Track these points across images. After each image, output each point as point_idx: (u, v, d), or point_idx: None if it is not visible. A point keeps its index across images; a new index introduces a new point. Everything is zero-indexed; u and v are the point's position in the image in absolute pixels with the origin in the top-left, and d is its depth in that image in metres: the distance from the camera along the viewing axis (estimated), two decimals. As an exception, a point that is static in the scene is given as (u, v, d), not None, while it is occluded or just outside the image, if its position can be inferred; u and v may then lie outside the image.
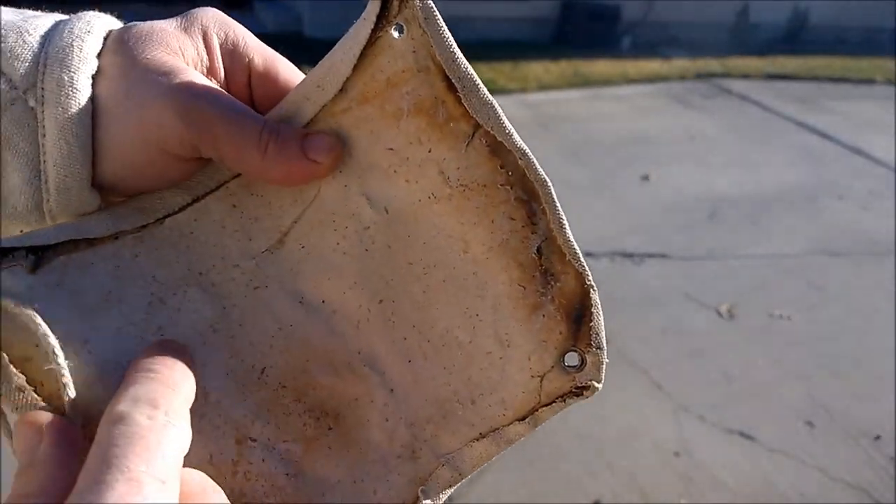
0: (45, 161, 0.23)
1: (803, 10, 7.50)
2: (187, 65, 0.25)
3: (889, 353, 2.08)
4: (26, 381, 0.21)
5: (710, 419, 1.74)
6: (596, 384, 0.27)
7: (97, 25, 0.25)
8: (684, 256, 2.58)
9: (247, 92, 0.27)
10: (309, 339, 0.26)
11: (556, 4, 6.38)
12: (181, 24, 0.26)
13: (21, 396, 0.21)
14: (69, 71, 0.23)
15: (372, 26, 0.24)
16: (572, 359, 0.27)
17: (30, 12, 0.25)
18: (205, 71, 0.26)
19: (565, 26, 6.36)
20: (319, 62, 0.25)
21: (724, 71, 5.80)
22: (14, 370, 0.21)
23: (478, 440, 0.27)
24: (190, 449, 0.20)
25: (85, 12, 0.26)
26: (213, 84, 0.25)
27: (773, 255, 2.66)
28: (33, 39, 0.23)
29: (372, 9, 0.24)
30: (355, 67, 0.25)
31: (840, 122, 4.60)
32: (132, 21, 0.27)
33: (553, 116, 4.19)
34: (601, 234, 2.68)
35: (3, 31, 0.23)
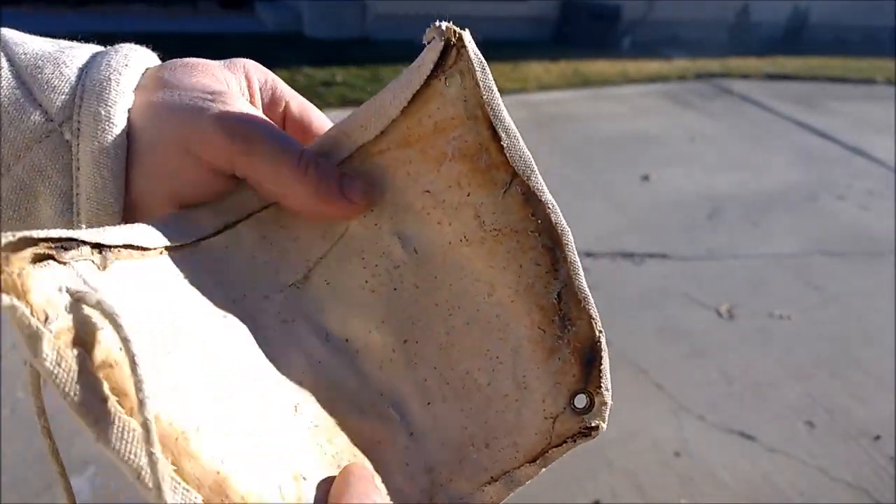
0: (77, 194, 0.23)
1: (803, 10, 7.50)
2: (238, 91, 0.26)
3: (889, 353, 2.08)
4: (110, 388, 0.19)
5: (710, 419, 1.74)
6: (602, 424, 0.28)
7: (134, 59, 0.25)
8: (684, 256, 2.58)
9: None
10: (335, 377, 0.26)
11: (556, 4, 6.38)
12: (224, 63, 0.27)
13: (104, 407, 0.18)
14: (106, 105, 0.23)
15: (427, 73, 0.25)
16: (581, 400, 0.28)
17: (65, 42, 0.25)
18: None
19: (565, 26, 6.36)
20: (365, 103, 0.26)
21: (724, 71, 5.80)
22: (98, 376, 0.19)
23: (490, 483, 0.27)
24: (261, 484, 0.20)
25: (122, 45, 0.26)
26: (257, 110, 0.26)
27: (773, 255, 2.66)
28: (70, 72, 0.23)
29: (429, 57, 0.25)
30: (403, 110, 0.25)
31: (840, 122, 4.60)
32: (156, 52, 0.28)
33: (553, 116, 4.19)
34: (601, 233, 2.68)
35: (39, 61, 0.23)
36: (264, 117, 0.25)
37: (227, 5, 5.90)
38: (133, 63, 0.25)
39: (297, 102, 0.29)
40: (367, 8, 5.63)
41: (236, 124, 0.24)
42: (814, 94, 5.37)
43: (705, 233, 2.80)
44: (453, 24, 0.26)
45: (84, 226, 0.23)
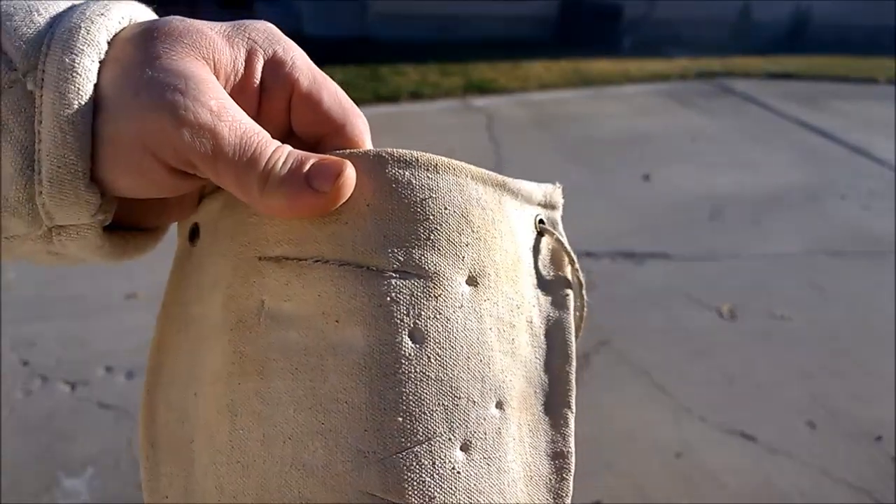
0: (39, 150, 0.21)
1: (805, 10, 7.49)
2: (213, 75, 0.23)
3: (891, 354, 2.07)
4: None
5: (712, 420, 1.74)
6: None
7: (114, 9, 0.23)
8: (685, 256, 2.58)
9: (285, 114, 0.26)
10: None
11: (557, 3, 6.37)
12: (225, 30, 0.24)
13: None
14: (72, 53, 0.21)
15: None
16: None
17: None
18: (234, 83, 0.24)
19: (566, 25, 6.35)
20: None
21: (725, 70, 5.80)
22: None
23: None
24: None
25: None
26: (233, 102, 0.23)
27: (774, 255, 2.65)
28: (41, 19, 0.22)
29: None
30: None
31: (842, 121, 4.59)
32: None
33: (554, 116, 4.18)
34: (602, 233, 2.67)
35: (12, 9, 0.21)
36: (238, 113, 0.23)
37: (227, 4, 5.89)
38: (111, 13, 0.23)
39: (309, 78, 0.25)
40: (367, 7, 5.62)
41: (200, 123, 0.21)
42: (815, 93, 5.36)
43: (706, 232, 2.79)
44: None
45: (45, 186, 0.21)
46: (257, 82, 0.25)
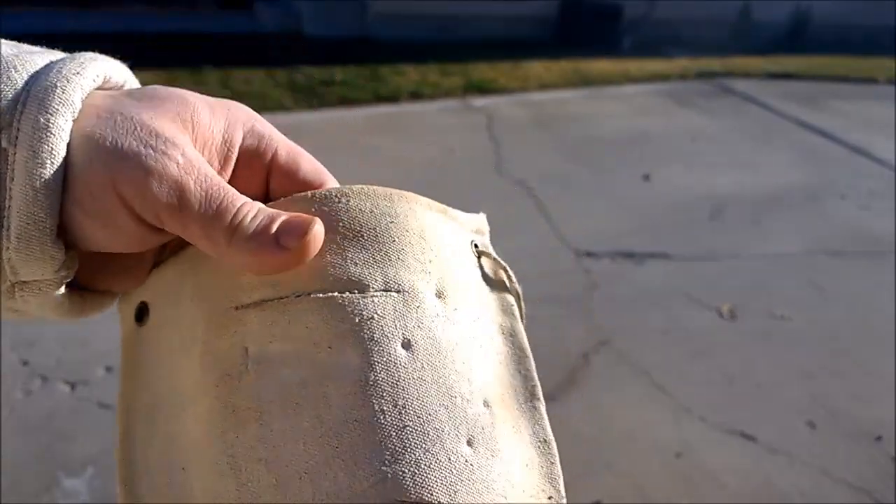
0: (9, 206, 0.22)
1: (805, 10, 7.49)
2: (189, 136, 0.24)
3: (891, 354, 2.07)
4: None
5: (712, 420, 1.74)
6: None
7: (90, 68, 0.24)
8: (685, 256, 2.58)
9: (263, 184, 0.27)
10: None
11: (557, 3, 6.37)
12: (208, 100, 0.25)
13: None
14: (46, 112, 0.22)
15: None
16: None
17: (27, 47, 0.24)
18: (212, 149, 0.25)
19: (566, 25, 6.35)
20: None
21: (725, 70, 5.80)
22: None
23: None
24: None
25: (84, 53, 0.24)
26: (203, 161, 0.24)
27: (774, 255, 2.65)
28: (19, 77, 0.22)
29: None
30: None
31: (842, 121, 4.59)
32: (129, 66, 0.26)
33: (554, 115, 4.18)
34: (602, 233, 2.67)
35: None
36: (207, 169, 0.23)
37: (226, 4, 5.90)
38: (87, 72, 0.23)
39: (286, 149, 0.27)
40: (367, 6, 5.62)
41: (168, 175, 0.22)
42: (815, 93, 5.36)
43: (706, 233, 2.79)
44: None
45: (13, 242, 0.22)
46: (236, 151, 0.26)
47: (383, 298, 0.24)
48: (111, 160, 0.22)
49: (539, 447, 0.27)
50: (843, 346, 2.11)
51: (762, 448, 1.67)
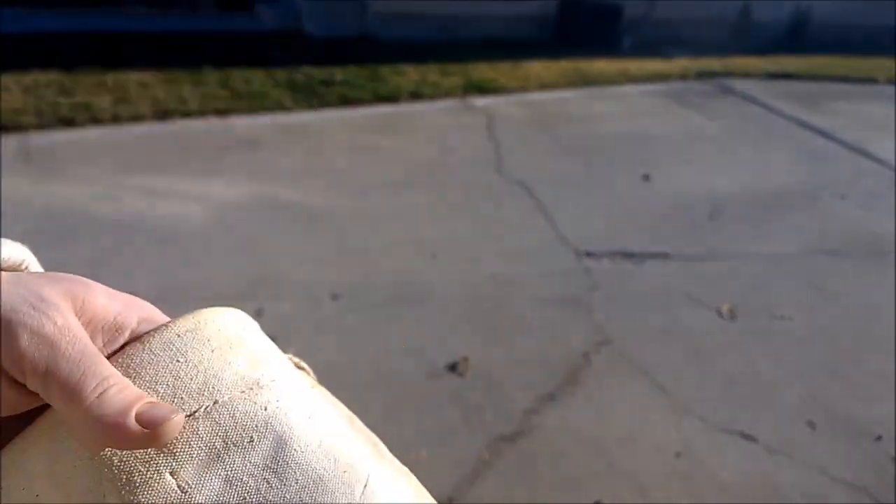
0: None
1: (805, 10, 7.49)
2: (72, 309, 0.25)
3: (889, 353, 2.07)
4: None
5: (712, 420, 1.74)
6: None
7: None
8: (685, 256, 2.58)
9: None
10: None
11: (557, 3, 6.37)
12: (112, 290, 0.26)
13: None
14: None
15: None
16: None
17: None
18: (96, 326, 0.25)
19: (566, 25, 6.35)
20: None
21: (725, 70, 5.80)
22: None
23: None
24: None
25: None
26: (83, 330, 0.24)
27: (773, 255, 2.65)
28: None
29: None
30: None
31: (842, 121, 4.59)
32: None
33: (554, 115, 4.18)
34: (602, 233, 2.67)
35: None
36: (83, 335, 0.24)
37: (227, 6, 5.90)
38: None
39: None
40: (367, 6, 5.62)
41: (42, 332, 0.23)
42: (815, 93, 5.36)
43: (706, 233, 2.79)
44: None
45: None
46: (126, 334, 0.26)
47: (234, 402, 0.25)
48: None
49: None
50: (843, 347, 2.11)
51: (762, 448, 1.66)
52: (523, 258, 2.39)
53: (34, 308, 0.23)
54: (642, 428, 1.69)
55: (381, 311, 2.05)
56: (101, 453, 0.23)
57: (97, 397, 0.22)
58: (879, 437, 1.73)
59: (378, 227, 2.55)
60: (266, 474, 0.24)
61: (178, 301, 1.93)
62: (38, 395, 0.24)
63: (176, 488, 0.23)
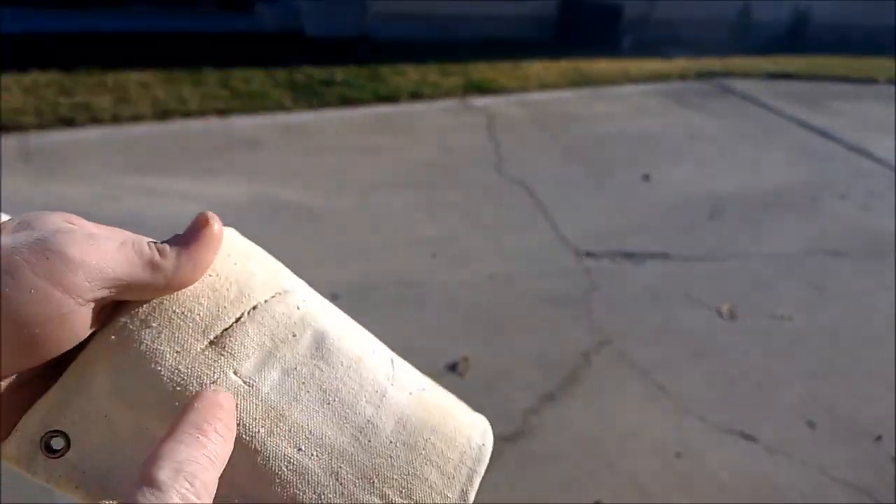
0: None
1: (805, 10, 7.48)
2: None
3: (890, 353, 2.07)
4: None
5: (711, 419, 1.74)
6: None
7: None
8: (685, 256, 2.58)
9: None
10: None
11: (557, 3, 6.37)
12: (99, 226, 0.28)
13: None
14: None
15: None
16: None
17: None
18: None
19: (566, 25, 6.35)
20: None
21: (725, 70, 5.79)
22: None
23: None
24: None
25: None
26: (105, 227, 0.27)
27: (773, 255, 2.65)
28: None
29: None
30: None
31: (842, 121, 4.59)
32: None
33: (553, 115, 4.18)
34: (602, 233, 2.67)
35: None
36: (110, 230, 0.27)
37: (227, 6, 5.90)
38: None
39: None
40: (367, 6, 5.62)
41: (139, 241, 0.27)
42: (815, 93, 5.36)
43: (706, 233, 2.79)
44: None
45: None
46: None
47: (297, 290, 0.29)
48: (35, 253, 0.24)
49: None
50: (843, 346, 2.11)
51: (762, 448, 1.67)
52: (523, 258, 2.39)
53: (64, 224, 0.25)
54: (642, 428, 1.69)
55: (381, 310, 2.05)
56: (168, 363, 0.24)
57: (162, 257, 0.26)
58: (879, 437, 1.73)
59: (378, 227, 2.55)
60: (315, 361, 0.27)
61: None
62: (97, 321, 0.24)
63: (242, 384, 0.25)
